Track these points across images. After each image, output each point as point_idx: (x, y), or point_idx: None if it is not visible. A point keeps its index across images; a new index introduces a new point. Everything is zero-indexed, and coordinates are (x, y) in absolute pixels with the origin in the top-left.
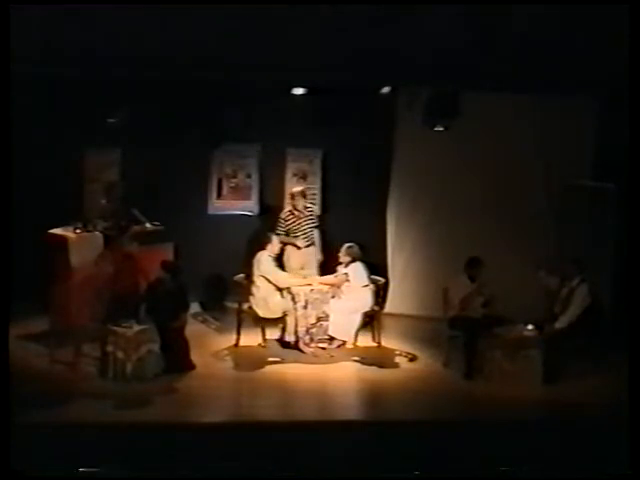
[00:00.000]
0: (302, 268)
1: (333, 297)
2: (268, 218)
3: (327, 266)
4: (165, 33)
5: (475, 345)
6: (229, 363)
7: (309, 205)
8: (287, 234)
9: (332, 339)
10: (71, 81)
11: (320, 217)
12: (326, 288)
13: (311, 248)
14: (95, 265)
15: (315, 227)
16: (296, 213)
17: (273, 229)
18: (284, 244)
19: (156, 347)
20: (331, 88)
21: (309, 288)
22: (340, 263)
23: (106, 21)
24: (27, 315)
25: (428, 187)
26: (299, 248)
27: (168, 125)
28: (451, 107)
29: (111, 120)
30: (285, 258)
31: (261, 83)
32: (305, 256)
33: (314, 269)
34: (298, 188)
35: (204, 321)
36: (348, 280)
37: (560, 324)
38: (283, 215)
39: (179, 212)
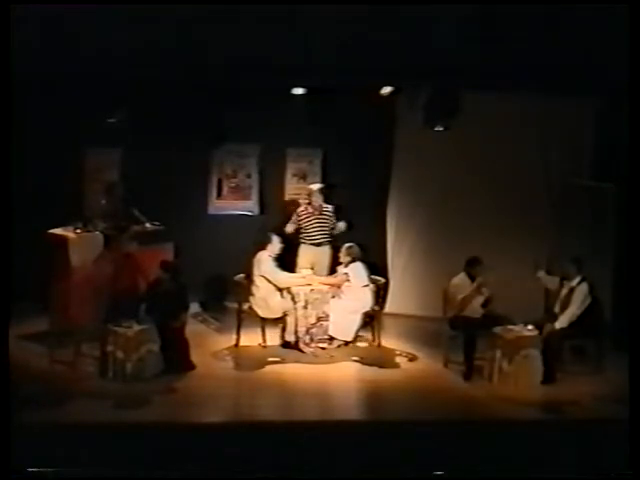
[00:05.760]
0: (312, 267)
1: (333, 297)
2: (268, 218)
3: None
4: (165, 33)
5: (475, 345)
6: (229, 363)
7: (326, 205)
8: (298, 230)
9: (332, 339)
10: (71, 81)
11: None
12: (326, 288)
13: (325, 247)
14: (95, 265)
15: (331, 227)
16: (311, 210)
17: (273, 229)
18: (298, 236)
19: (156, 347)
20: (331, 88)
21: (309, 288)
22: (340, 263)
23: (106, 21)
24: (27, 315)
25: (428, 187)
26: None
27: (168, 125)
28: (451, 107)
29: (111, 120)
30: (299, 255)
31: (261, 83)
32: (317, 255)
33: (325, 269)
34: (316, 185)
35: (204, 321)
36: (348, 280)
37: (560, 324)
38: (298, 210)
39: (179, 212)
